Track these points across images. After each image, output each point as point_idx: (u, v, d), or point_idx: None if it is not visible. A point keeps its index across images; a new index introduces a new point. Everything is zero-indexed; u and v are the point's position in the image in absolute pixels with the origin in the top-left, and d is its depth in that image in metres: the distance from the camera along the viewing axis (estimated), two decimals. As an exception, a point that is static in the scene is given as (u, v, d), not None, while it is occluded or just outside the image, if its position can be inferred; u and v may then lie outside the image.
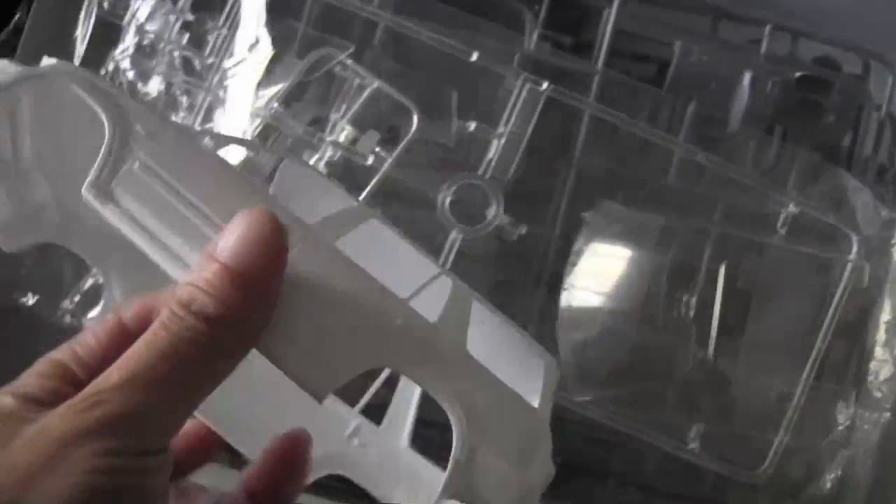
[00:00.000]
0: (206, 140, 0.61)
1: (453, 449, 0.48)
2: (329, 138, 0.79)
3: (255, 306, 0.42)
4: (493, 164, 0.78)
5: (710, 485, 0.85)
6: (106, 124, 0.49)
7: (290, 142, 0.81)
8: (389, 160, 0.78)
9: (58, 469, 0.38)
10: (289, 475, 0.56)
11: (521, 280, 0.82)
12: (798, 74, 0.85)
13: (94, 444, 0.38)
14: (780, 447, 0.79)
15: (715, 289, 0.80)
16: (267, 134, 0.81)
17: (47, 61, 0.52)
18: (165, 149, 0.49)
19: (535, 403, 0.55)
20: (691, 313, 0.79)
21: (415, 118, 0.79)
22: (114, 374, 0.40)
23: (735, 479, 0.81)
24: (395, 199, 0.81)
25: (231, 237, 0.42)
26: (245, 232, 0.42)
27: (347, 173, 0.79)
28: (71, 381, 0.44)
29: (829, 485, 0.82)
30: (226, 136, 0.67)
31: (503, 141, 0.79)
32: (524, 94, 0.78)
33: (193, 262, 0.45)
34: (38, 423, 0.39)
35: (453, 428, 0.48)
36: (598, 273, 0.80)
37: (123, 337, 0.46)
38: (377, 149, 0.78)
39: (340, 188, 0.61)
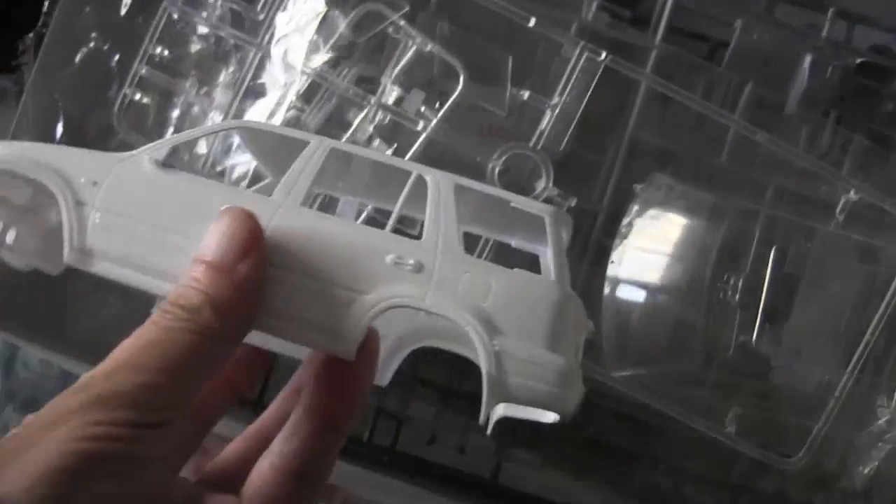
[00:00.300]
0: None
1: (482, 364, 0.52)
2: (374, 99, 0.78)
3: (236, 290, 0.46)
4: (545, 134, 0.76)
5: (741, 471, 0.84)
6: (57, 196, 0.55)
7: (336, 100, 0.80)
8: (434, 120, 0.76)
9: (48, 437, 0.39)
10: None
11: (567, 252, 0.80)
12: (858, 61, 0.83)
13: (84, 416, 0.40)
14: (819, 436, 0.77)
15: (762, 271, 0.78)
16: (312, 92, 0.80)
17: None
18: (113, 189, 0.55)
19: (551, 270, 0.56)
20: (737, 295, 0.77)
21: (461, 79, 0.78)
22: (103, 364, 0.43)
23: (769, 465, 0.80)
24: (442, 165, 0.80)
25: (210, 238, 0.47)
26: (220, 231, 0.47)
27: (396, 138, 0.78)
28: None
29: (863, 479, 0.81)
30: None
31: (557, 112, 0.77)
32: (582, 63, 0.77)
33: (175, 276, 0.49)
34: (40, 410, 0.41)
35: (475, 342, 0.52)
36: (645, 248, 0.79)
37: None
38: (422, 108, 0.77)
39: (292, 131, 0.62)
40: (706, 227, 0.78)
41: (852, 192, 0.78)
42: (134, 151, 0.57)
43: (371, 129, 0.77)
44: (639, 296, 0.78)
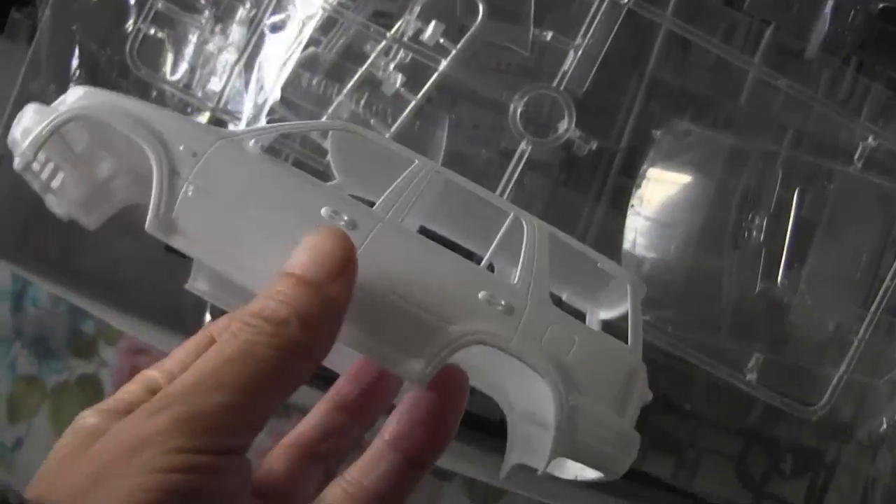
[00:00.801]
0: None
1: (554, 414, 0.51)
2: (392, 33, 0.76)
3: (325, 308, 0.43)
4: (567, 75, 0.75)
5: (758, 417, 0.83)
6: (152, 160, 0.52)
7: (353, 33, 0.78)
8: (454, 52, 0.75)
9: (125, 469, 0.37)
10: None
11: (583, 192, 0.80)
12: (881, 6, 0.82)
13: (165, 443, 0.37)
14: (841, 383, 0.76)
15: (781, 215, 0.77)
16: (329, 27, 0.79)
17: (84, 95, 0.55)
18: (212, 165, 0.52)
19: (630, 337, 0.56)
20: (760, 237, 0.76)
21: (480, 12, 0.77)
22: (183, 379, 0.40)
23: (785, 413, 0.79)
24: (461, 99, 0.79)
25: (301, 254, 0.45)
26: (314, 248, 0.45)
27: (416, 76, 0.77)
28: (156, 391, 0.43)
29: (883, 426, 0.80)
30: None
31: (580, 53, 0.76)
32: (605, 5, 0.75)
33: (263, 270, 0.48)
34: (111, 430, 0.39)
35: (551, 393, 0.52)
36: (665, 192, 0.78)
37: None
38: (441, 40, 0.76)
39: (397, 146, 0.60)
40: (726, 170, 0.77)
41: (871, 139, 0.77)
42: (238, 130, 0.56)
43: (392, 66, 0.76)
44: (659, 239, 0.77)
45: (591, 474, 0.57)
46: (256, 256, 0.51)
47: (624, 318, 0.59)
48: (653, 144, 0.78)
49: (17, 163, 0.54)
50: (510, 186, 0.74)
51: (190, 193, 0.52)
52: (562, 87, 0.75)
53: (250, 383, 0.40)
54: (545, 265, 0.56)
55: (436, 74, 0.75)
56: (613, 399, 0.53)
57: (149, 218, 0.51)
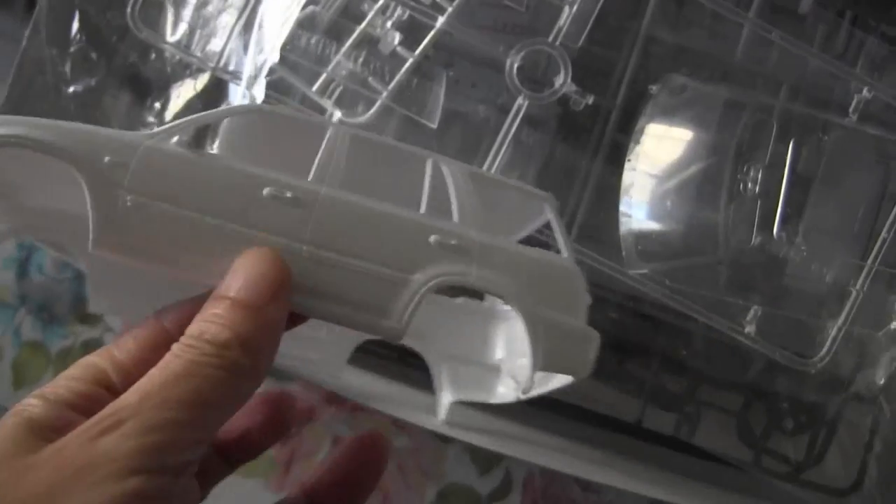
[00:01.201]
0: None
1: (527, 330, 0.54)
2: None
3: (264, 330, 0.44)
4: (563, 30, 0.75)
5: (758, 372, 0.83)
6: (81, 178, 0.49)
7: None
8: (450, 10, 0.75)
9: (78, 491, 0.37)
10: (364, 477, 0.56)
11: (580, 149, 0.80)
12: (875, -42, 0.82)
13: (118, 463, 0.38)
14: (840, 335, 0.76)
15: (777, 168, 0.77)
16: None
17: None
18: (142, 172, 0.50)
19: (563, 249, 0.60)
20: (756, 189, 0.76)
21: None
22: (130, 395, 0.40)
23: (783, 368, 0.79)
24: (459, 58, 0.78)
25: (236, 277, 0.45)
26: (248, 270, 0.45)
27: (414, 34, 0.76)
28: (105, 385, 0.44)
29: (882, 379, 0.80)
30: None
31: (575, 8, 0.75)
32: (599, -41, 0.75)
33: (219, 267, 0.48)
34: (58, 443, 0.39)
35: (521, 314, 0.55)
36: (662, 146, 0.77)
37: (162, 340, 0.45)
38: (439, -1, 0.75)
39: (308, 116, 0.63)
40: (722, 123, 0.77)
41: (865, 91, 0.76)
42: (156, 130, 0.54)
43: (389, 23, 0.76)
44: (656, 193, 0.77)
45: (556, 383, 0.62)
46: (210, 253, 0.50)
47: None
48: (649, 99, 0.78)
49: None
50: (507, 142, 0.74)
51: (129, 204, 0.50)
52: (557, 43, 0.74)
53: (198, 400, 0.41)
54: (477, 200, 0.58)
55: (433, 32, 0.74)
56: (567, 305, 0.56)
57: (91, 239, 0.49)
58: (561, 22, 0.75)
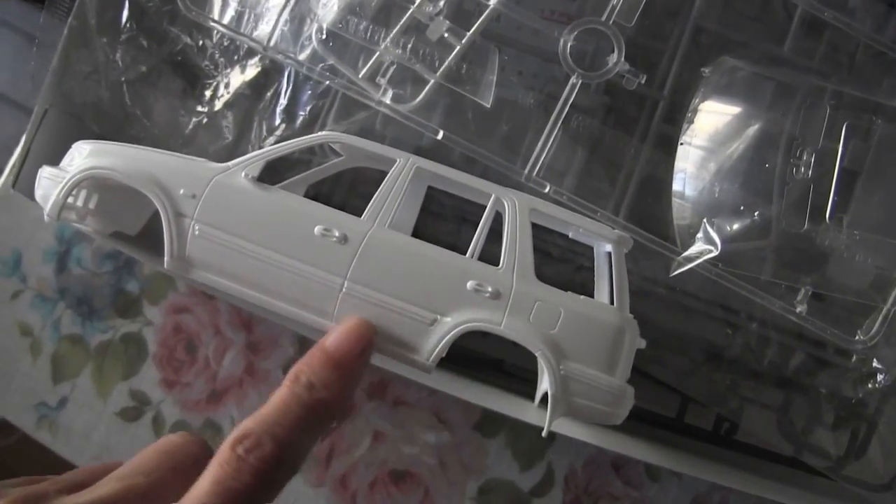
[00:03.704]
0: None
1: (549, 383, 0.58)
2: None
3: (347, 383, 0.52)
4: (616, 9, 0.71)
5: (798, 366, 0.79)
6: (159, 207, 0.60)
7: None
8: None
9: None
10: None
11: (628, 135, 0.76)
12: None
13: None
14: (889, 316, 0.72)
15: (830, 154, 0.73)
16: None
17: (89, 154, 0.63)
18: (211, 203, 0.60)
19: (614, 296, 0.62)
20: (808, 173, 0.72)
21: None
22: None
23: (825, 363, 0.77)
24: (505, 46, 0.75)
25: (337, 335, 0.54)
26: (347, 331, 0.55)
27: (462, 21, 0.73)
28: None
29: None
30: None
31: (629, -14, 0.72)
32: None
33: (274, 289, 0.59)
34: None
35: (544, 366, 0.58)
36: (716, 124, 0.74)
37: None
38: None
39: (379, 147, 0.66)
40: (774, 106, 0.73)
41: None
42: (230, 164, 0.61)
43: (437, 9, 0.72)
44: (708, 177, 0.73)
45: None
46: (266, 278, 0.58)
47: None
48: (702, 81, 0.74)
49: (47, 219, 0.62)
50: (558, 126, 0.70)
51: (197, 232, 0.59)
52: (611, 22, 0.71)
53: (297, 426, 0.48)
54: (527, 243, 0.61)
55: (487, 12, 0.71)
56: (602, 360, 0.59)
57: (165, 259, 0.59)
58: (614, 1, 0.72)
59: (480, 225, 0.62)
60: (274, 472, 0.44)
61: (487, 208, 0.63)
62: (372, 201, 0.60)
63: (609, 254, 0.66)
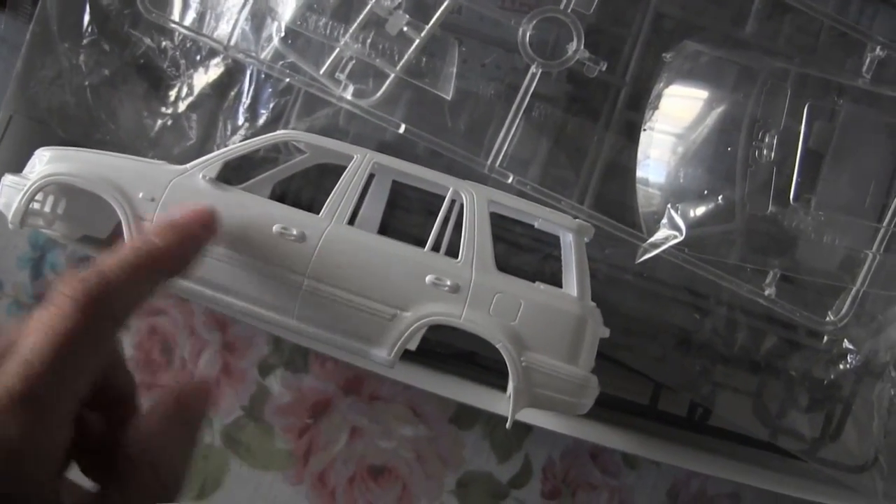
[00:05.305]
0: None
1: (510, 375, 0.57)
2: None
3: (183, 240, 0.48)
4: (574, -2, 0.69)
5: (770, 349, 0.77)
6: (118, 211, 0.59)
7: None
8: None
9: None
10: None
11: (591, 123, 0.74)
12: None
13: None
14: (858, 296, 0.70)
15: (792, 135, 0.71)
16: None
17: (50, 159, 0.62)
18: (169, 206, 0.59)
19: (574, 285, 0.61)
20: (771, 156, 0.70)
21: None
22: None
23: (795, 346, 0.75)
24: (466, 37, 0.73)
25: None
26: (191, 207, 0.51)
27: (421, 14, 0.71)
28: None
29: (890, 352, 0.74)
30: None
31: (586, -27, 0.70)
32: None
33: (235, 289, 0.58)
34: None
35: (505, 358, 0.57)
36: (679, 109, 0.72)
37: None
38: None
39: (336, 143, 0.64)
40: (737, 89, 0.72)
41: (878, 50, 0.71)
42: (188, 166, 0.60)
43: (396, 3, 0.70)
44: (672, 162, 0.71)
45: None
46: (228, 278, 0.57)
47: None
48: (664, 66, 0.72)
49: (11, 227, 0.60)
50: (520, 116, 0.68)
51: None
52: (569, 10, 0.69)
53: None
54: (486, 235, 0.60)
55: (444, 5, 0.69)
56: (564, 350, 0.58)
57: None
58: (573, -12, 0.70)
59: (438, 218, 0.60)
60: (98, 307, 0.40)
61: (445, 201, 0.61)
62: (329, 199, 0.59)
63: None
